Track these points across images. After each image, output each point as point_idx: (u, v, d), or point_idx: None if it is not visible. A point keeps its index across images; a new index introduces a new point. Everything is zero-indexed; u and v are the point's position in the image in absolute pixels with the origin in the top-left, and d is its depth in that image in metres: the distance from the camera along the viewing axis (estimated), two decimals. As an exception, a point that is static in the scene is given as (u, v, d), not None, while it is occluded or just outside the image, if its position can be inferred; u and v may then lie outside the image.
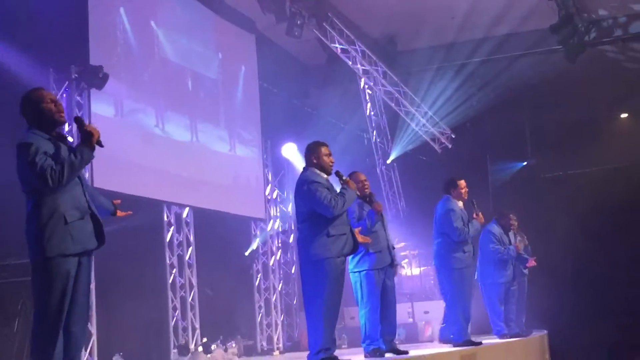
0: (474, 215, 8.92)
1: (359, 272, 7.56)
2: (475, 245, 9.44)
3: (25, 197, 4.84)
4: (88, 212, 4.92)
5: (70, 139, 9.16)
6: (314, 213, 6.51)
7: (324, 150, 6.72)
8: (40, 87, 5.13)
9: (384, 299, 7.59)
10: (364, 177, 7.79)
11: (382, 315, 7.57)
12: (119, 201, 5.46)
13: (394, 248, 7.86)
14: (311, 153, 6.73)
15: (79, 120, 5.01)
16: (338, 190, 6.64)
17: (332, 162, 6.73)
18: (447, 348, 8.72)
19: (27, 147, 4.72)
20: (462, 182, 9.04)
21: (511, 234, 10.88)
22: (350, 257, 7.46)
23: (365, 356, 7.48)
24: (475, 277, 10.68)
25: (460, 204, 8.99)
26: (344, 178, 6.77)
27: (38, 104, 4.91)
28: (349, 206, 6.73)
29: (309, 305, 6.49)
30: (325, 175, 6.66)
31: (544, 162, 16.86)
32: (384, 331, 7.58)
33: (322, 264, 6.41)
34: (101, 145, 4.87)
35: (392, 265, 7.72)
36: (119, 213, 5.42)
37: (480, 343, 8.92)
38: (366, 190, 7.75)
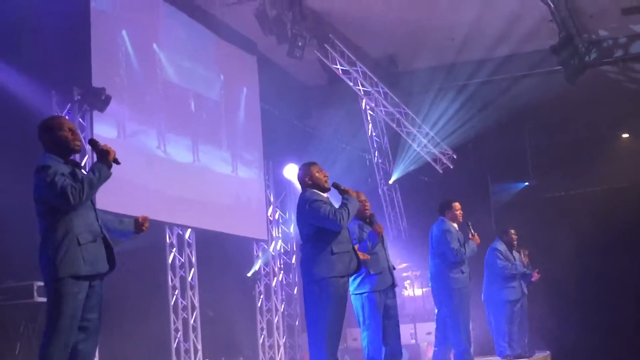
0: (470, 236, 8.98)
1: (360, 294, 7.51)
2: (478, 266, 9.45)
3: (39, 221, 4.95)
4: (100, 235, 5.05)
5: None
6: (317, 232, 6.52)
7: (314, 169, 6.73)
8: (59, 115, 5.28)
9: (386, 321, 7.56)
10: (364, 198, 7.77)
11: (386, 338, 7.53)
12: (146, 217, 5.50)
13: (394, 269, 7.84)
14: (304, 175, 6.75)
15: (93, 142, 5.12)
16: (339, 204, 6.65)
17: (326, 176, 6.74)
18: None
19: (46, 169, 4.85)
20: (457, 204, 9.13)
21: (514, 252, 10.93)
22: (351, 279, 7.46)
23: None
24: (482, 297, 10.71)
25: (456, 225, 9.04)
26: (342, 188, 6.77)
27: (56, 132, 5.05)
28: (355, 214, 6.73)
29: (312, 326, 6.47)
30: (324, 194, 6.67)
31: (546, 182, 16.88)
32: (388, 354, 7.54)
33: (325, 284, 6.41)
34: (118, 163, 5.02)
35: (393, 287, 7.69)
36: (144, 225, 5.48)
37: (484, 365, 8.92)
38: (367, 211, 7.74)
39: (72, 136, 5.07)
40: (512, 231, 11.00)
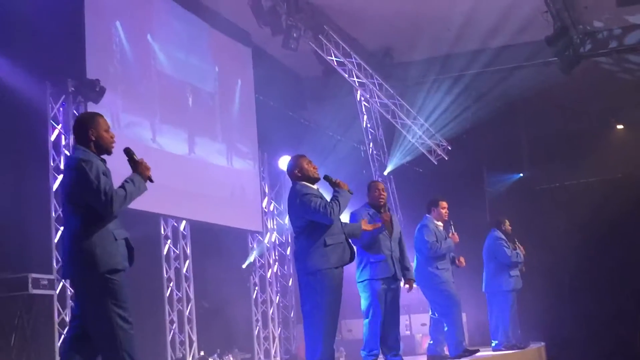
0: (450, 235, 9.01)
1: (362, 282, 7.58)
2: (474, 259, 9.43)
3: (70, 212, 4.91)
4: (127, 235, 5.09)
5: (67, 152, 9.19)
6: (309, 225, 6.52)
7: (303, 161, 6.72)
8: (100, 113, 5.21)
9: (386, 312, 7.57)
10: (382, 187, 7.89)
11: (384, 329, 7.54)
12: None
13: (401, 262, 7.79)
14: (293, 168, 6.73)
15: (128, 151, 5.12)
16: (329, 198, 6.64)
17: (316, 168, 6.73)
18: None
19: (89, 164, 4.83)
20: (444, 203, 9.20)
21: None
22: (357, 267, 7.54)
23: None
24: (483, 289, 10.71)
25: (440, 224, 9.09)
26: (333, 180, 6.76)
27: (99, 129, 5.03)
28: (346, 207, 6.71)
29: (308, 318, 6.47)
30: (314, 186, 6.66)
31: (540, 173, 16.89)
32: (385, 346, 7.56)
33: (320, 275, 6.42)
34: (152, 181, 5.09)
35: (396, 278, 7.68)
36: None
37: (478, 350, 8.97)
38: (381, 200, 7.77)
39: (112, 139, 5.08)
40: (507, 221, 11.03)
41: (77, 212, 4.85)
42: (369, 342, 7.51)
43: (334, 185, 6.72)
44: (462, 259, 9.20)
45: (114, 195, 4.78)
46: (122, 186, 4.90)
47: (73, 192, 4.87)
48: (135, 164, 5.06)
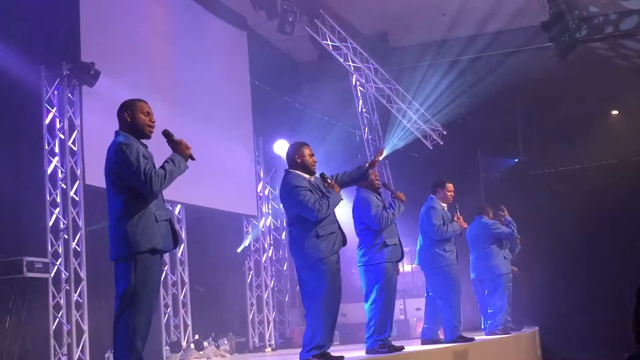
0: (455, 218, 8.99)
1: (374, 264, 7.54)
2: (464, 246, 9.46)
3: (113, 195, 5.01)
4: (170, 216, 5.21)
5: (61, 135, 9.16)
6: (300, 216, 6.50)
7: (306, 150, 6.69)
8: (142, 99, 5.26)
9: (392, 295, 7.60)
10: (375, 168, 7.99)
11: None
12: None
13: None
14: (294, 153, 6.69)
15: (167, 133, 5.23)
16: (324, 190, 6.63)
17: (315, 162, 6.70)
18: (439, 345, 8.73)
19: (129, 147, 4.95)
20: (450, 185, 9.17)
21: None
22: (364, 250, 7.54)
23: (368, 352, 7.44)
24: (476, 275, 10.71)
25: (445, 205, 9.07)
26: (328, 181, 6.74)
27: (135, 111, 5.13)
28: (334, 209, 6.65)
29: (310, 306, 6.42)
30: (308, 176, 6.63)
31: (536, 158, 16.90)
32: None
33: (317, 264, 6.38)
34: (193, 159, 5.19)
35: (399, 261, 7.77)
36: None
37: (473, 339, 8.95)
38: (378, 183, 8.01)
39: (150, 122, 5.17)
40: (491, 211, 11.08)
41: (119, 195, 4.97)
42: (378, 328, 7.45)
43: (328, 185, 6.69)
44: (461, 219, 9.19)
45: (153, 174, 4.90)
46: (162, 166, 5.02)
47: (115, 175, 4.98)
48: (175, 144, 5.18)
